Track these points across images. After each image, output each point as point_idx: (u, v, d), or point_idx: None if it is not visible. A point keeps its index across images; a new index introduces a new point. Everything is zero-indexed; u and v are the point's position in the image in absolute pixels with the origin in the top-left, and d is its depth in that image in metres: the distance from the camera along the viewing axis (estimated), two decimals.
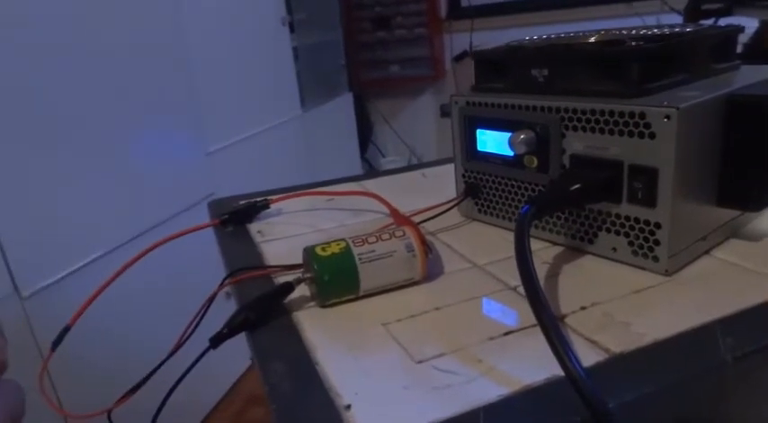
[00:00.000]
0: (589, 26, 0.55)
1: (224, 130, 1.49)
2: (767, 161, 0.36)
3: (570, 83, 0.40)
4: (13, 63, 0.91)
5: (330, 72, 2.28)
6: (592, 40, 0.41)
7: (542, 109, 0.40)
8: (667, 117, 0.33)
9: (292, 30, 1.87)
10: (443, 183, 0.55)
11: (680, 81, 0.39)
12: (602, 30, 0.45)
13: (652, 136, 0.35)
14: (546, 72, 0.41)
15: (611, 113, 0.36)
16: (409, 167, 0.71)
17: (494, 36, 2.19)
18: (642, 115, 0.35)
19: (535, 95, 0.42)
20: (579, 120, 0.38)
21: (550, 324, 0.27)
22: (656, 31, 0.42)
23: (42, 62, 0.96)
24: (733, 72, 0.44)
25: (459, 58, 2.54)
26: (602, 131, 0.37)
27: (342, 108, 2.32)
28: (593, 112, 0.37)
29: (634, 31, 0.42)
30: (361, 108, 2.66)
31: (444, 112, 2.69)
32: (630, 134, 0.36)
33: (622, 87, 0.37)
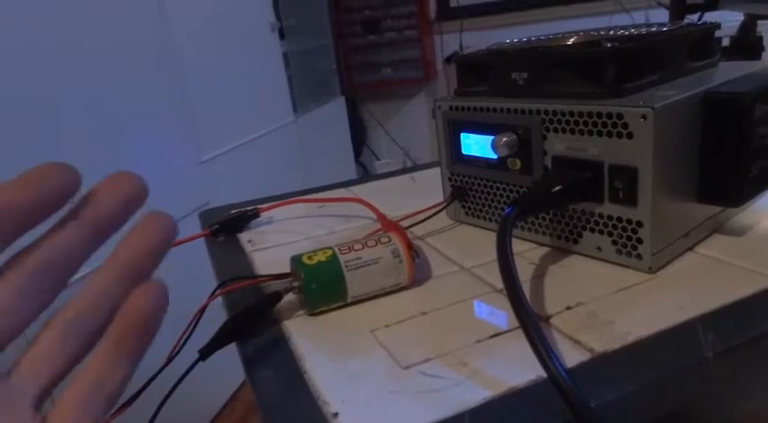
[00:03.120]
0: (577, 24, 0.56)
1: (217, 139, 1.49)
2: (745, 156, 0.37)
3: (550, 85, 0.41)
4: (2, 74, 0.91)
5: (322, 77, 2.29)
6: (570, 41, 0.42)
7: (523, 112, 0.41)
8: (644, 117, 0.34)
9: (282, 36, 1.88)
10: (432, 186, 0.55)
11: (657, 80, 0.40)
12: (581, 31, 0.45)
13: (630, 136, 0.35)
14: (526, 75, 0.42)
15: (590, 114, 0.37)
16: (399, 171, 0.71)
17: (484, 36, 2.20)
18: (619, 116, 0.35)
19: (516, 98, 0.42)
20: (559, 121, 0.39)
21: (531, 325, 0.28)
22: (633, 31, 0.42)
23: (32, 73, 0.96)
24: (711, 69, 0.44)
25: (449, 59, 2.55)
26: (581, 133, 0.38)
27: (334, 112, 2.33)
28: (572, 113, 0.38)
29: (612, 32, 0.43)
30: (354, 111, 2.66)
31: None
32: (609, 134, 0.36)
33: (600, 88, 0.38)
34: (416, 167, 0.72)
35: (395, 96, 2.73)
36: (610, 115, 0.36)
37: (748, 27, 1.06)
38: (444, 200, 0.51)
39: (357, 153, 2.65)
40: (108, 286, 0.22)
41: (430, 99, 2.69)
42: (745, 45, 1.04)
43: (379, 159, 2.82)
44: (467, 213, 0.50)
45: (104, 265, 0.22)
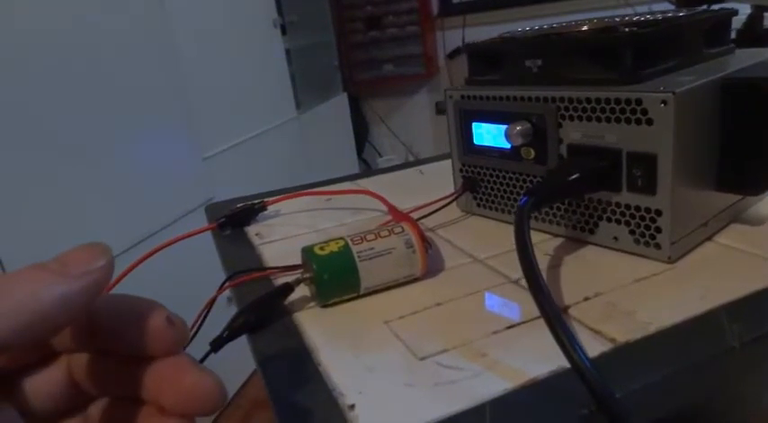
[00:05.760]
0: (583, 17, 0.55)
1: (220, 135, 1.48)
2: (764, 144, 0.36)
3: (565, 72, 0.40)
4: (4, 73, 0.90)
5: (324, 73, 2.28)
6: (584, 28, 0.41)
7: (537, 99, 0.40)
8: (664, 102, 0.33)
9: (284, 32, 1.87)
10: (441, 179, 0.54)
11: (674, 66, 0.39)
12: (594, 18, 0.45)
13: (649, 122, 0.34)
14: (540, 62, 0.41)
15: (607, 101, 0.36)
16: (406, 165, 0.71)
17: (486, 31, 2.18)
18: (638, 102, 0.34)
19: (530, 86, 0.41)
20: (575, 109, 0.38)
21: (554, 315, 0.27)
22: (648, 17, 0.42)
23: (32, 69, 0.95)
24: (727, 56, 0.44)
25: (452, 55, 2.54)
26: (598, 120, 0.37)
27: (337, 109, 2.32)
28: (588, 100, 0.37)
29: (626, 18, 0.42)
30: (357, 108, 2.65)
31: (439, 109, 2.68)
32: (627, 121, 0.35)
33: (617, 74, 0.37)
34: (424, 160, 0.71)
35: (397, 93, 2.72)
36: (628, 101, 0.35)
37: (756, 19, 1.04)
38: (455, 191, 0.50)
39: (359, 150, 2.64)
40: None
41: (432, 95, 2.68)
42: (752, 37, 1.03)
43: (381, 156, 2.81)
44: (478, 205, 0.49)
45: None
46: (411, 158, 2.72)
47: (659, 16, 0.42)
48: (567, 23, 0.45)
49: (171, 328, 0.19)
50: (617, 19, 0.43)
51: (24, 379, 0.20)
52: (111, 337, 0.19)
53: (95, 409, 0.21)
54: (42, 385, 0.20)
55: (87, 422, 0.21)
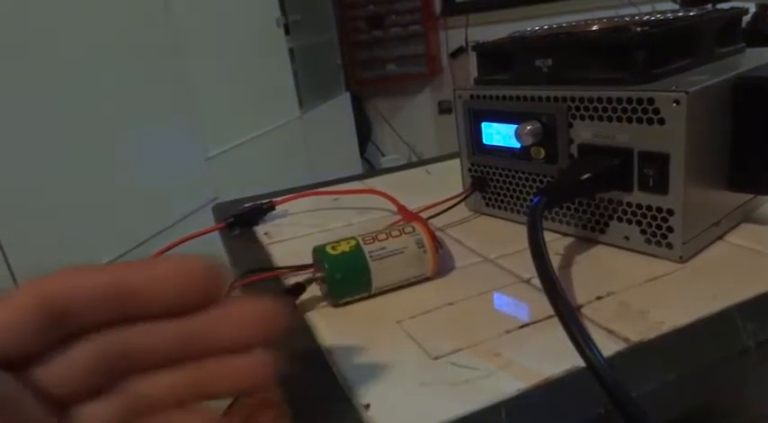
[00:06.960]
0: (586, 17, 0.55)
1: (223, 135, 1.48)
2: None
3: (575, 72, 0.40)
4: (11, 67, 0.90)
5: (327, 73, 2.28)
6: (595, 28, 0.41)
7: (548, 99, 0.40)
8: (676, 102, 0.33)
9: (287, 31, 1.87)
10: (448, 178, 0.54)
11: (686, 65, 0.39)
12: (604, 18, 0.45)
13: (661, 122, 0.34)
14: (550, 62, 0.41)
15: (619, 100, 0.36)
16: (412, 164, 0.71)
17: (489, 31, 2.18)
18: (650, 101, 0.34)
19: (540, 86, 0.41)
20: (586, 108, 0.38)
21: (568, 314, 0.27)
22: (659, 16, 0.42)
23: (35, 68, 0.96)
24: (739, 55, 0.44)
25: (455, 55, 2.54)
26: (609, 119, 0.37)
27: (340, 108, 2.32)
28: (599, 100, 0.37)
29: (637, 17, 0.42)
30: (360, 107, 2.65)
31: (442, 108, 2.69)
32: (639, 121, 0.35)
33: (629, 74, 0.37)
34: (430, 160, 0.71)
35: (400, 92, 2.72)
36: (640, 101, 0.35)
37: (760, 17, 1.04)
38: (464, 191, 0.50)
39: (362, 149, 2.64)
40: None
41: (435, 95, 2.68)
42: (757, 35, 1.02)
43: (384, 155, 2.81)
44: (487, 204, 0.49)
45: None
46: (414, 158, 2.72)
47: (670, 15, 0.42)
48: (576, 23, 0.45)
49: (212, 273, 0.20)
50: (627, 18, 0.43)
51: (41, 364, 0.19)
52: (150, 301, 0.19)
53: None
54: (62, 368, 0.19)
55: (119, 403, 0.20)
